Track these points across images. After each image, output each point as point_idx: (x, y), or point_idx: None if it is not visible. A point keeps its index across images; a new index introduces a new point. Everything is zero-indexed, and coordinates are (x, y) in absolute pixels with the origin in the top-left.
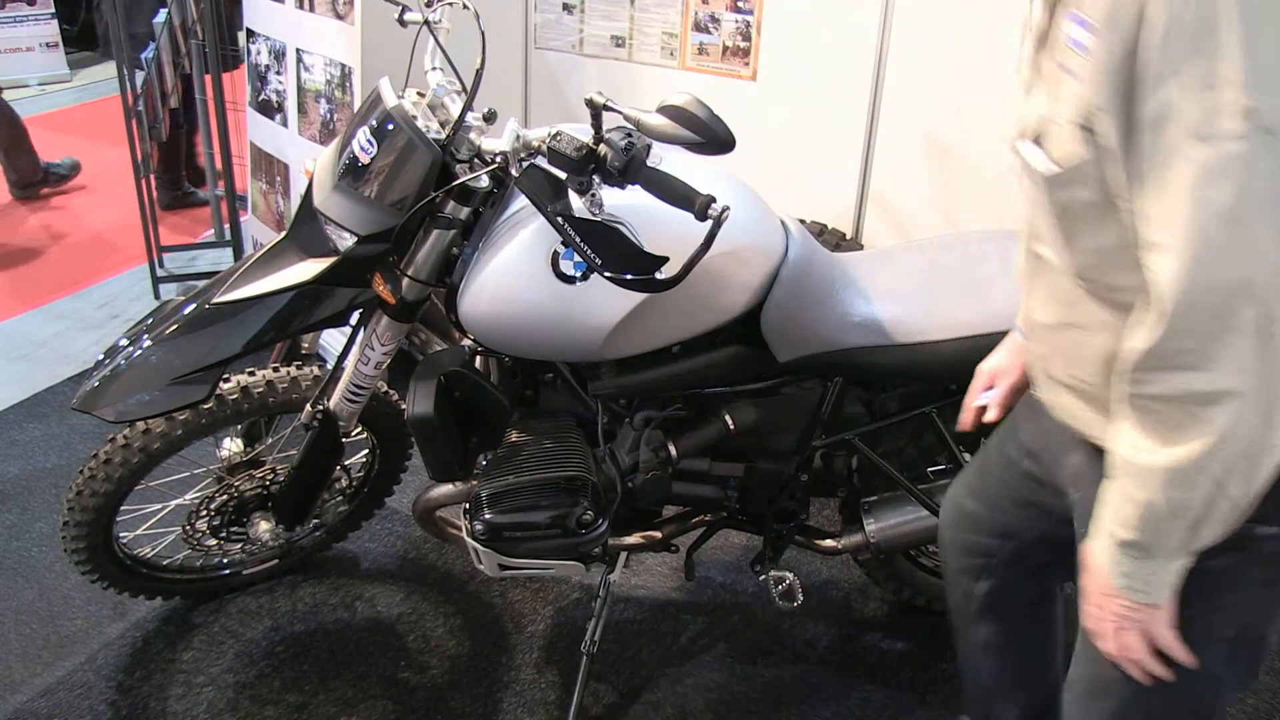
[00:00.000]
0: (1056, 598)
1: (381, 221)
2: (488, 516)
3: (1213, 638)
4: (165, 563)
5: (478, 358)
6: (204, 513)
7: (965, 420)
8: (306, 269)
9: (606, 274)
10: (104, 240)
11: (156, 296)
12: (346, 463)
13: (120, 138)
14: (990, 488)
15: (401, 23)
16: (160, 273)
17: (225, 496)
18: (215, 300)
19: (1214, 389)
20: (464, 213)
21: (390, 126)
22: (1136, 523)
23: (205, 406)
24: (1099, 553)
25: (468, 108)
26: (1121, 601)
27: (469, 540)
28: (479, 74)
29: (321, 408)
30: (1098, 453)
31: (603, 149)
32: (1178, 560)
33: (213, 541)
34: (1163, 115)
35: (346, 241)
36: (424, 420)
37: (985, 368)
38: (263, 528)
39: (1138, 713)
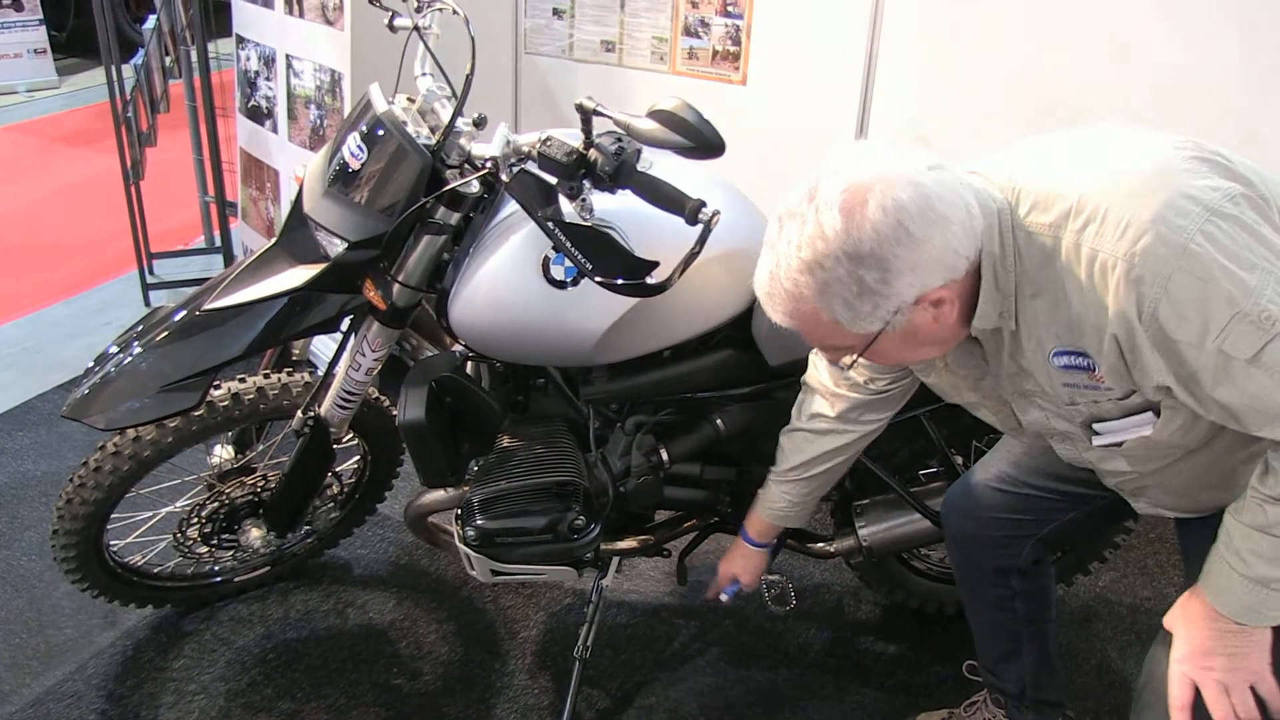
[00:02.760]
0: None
1: (372, 227)
2: (480, 522)
3: None
4: (156, 570)
5: (469, 363)
6: (195, 520)
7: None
8: (297, 275)
9: (597, 279)
10: (94, 246)
11: (147, 303)
12: (338, 469)
13: (110, 144)
14: (1027, 467)
15: (391, 28)
16: (150, 279)
17: (216, 504)
18: (206, 307)
19: None
20: (454, 218)
21: (380, 132)
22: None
23: (196, 413)
24: (1222, 594)
25: (458, 113)
26: (1228, 645)
27: (461, 546)
28: (469, 79)
29: (313, 414)
30: None
31: (593, 154)
32: None
33: (204, 549)
34: (1220, 359)
35: (337, 247)
36: (415, 426)
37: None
38: (254, 535)
39: None
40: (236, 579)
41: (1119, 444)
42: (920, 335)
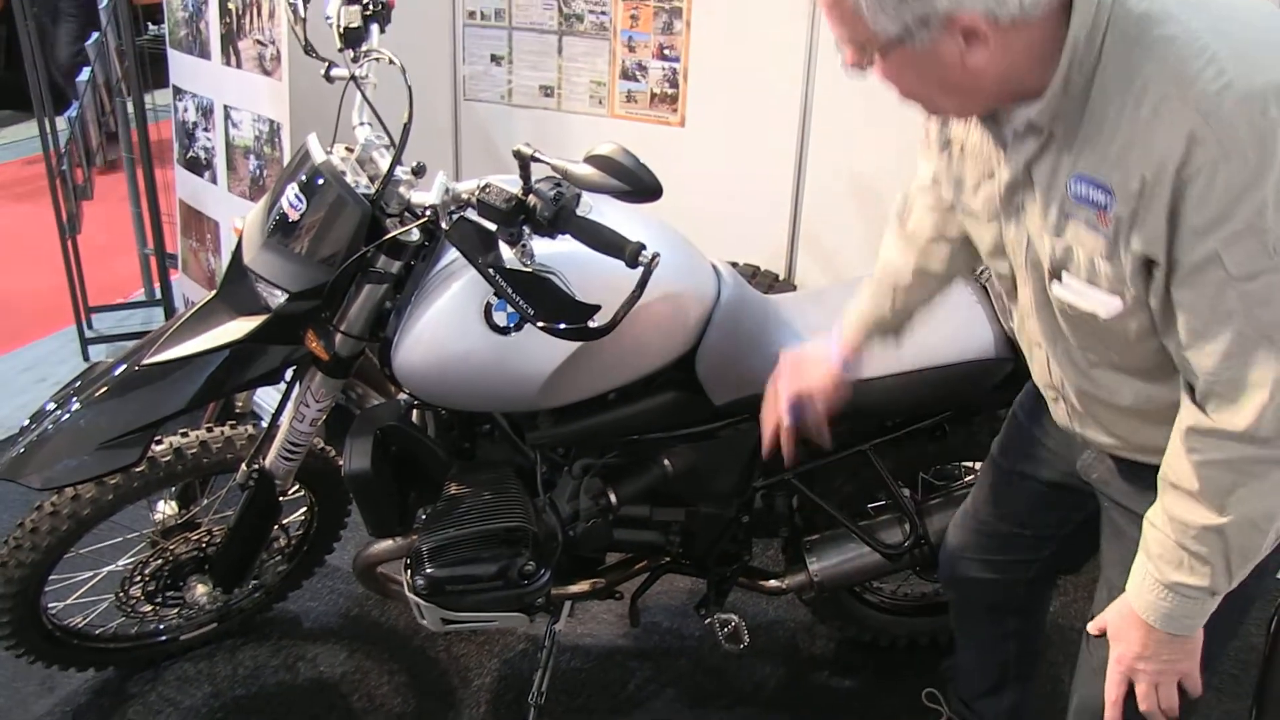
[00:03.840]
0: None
1: (313, 278)
2: (429, 571)
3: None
4: (98, 632)
5: (414, 411)
6: (138, 578)
7: (767, 441)
8: (238, 327)
9: (539, 324)
10: (29, 301)
11: (86, 358)
12: (284, 521)
13: (44, 198)
14: (1012, 505)
15: (328, 79)
16: (89, 334)
17: (160, 561)
18: (145, 361)
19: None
20: (395, 267)
21: (319, 182)
22: (1209, 574)
23: (137, 470)
24: (1144, 600)
25: (396, 162)
26: (1161, 654)
27: (411, 595)
28: (406, 128)
29: (257, 467)
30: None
31: (532, 199)
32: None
33: (148, 608)
34: (1208, 261)
35: (278, 298)
36: (361, 477)
37: (794, 389)
38: (200, 591)
39: None
40: (182, 637)
41: (1070, 308)
42: (941, 70)
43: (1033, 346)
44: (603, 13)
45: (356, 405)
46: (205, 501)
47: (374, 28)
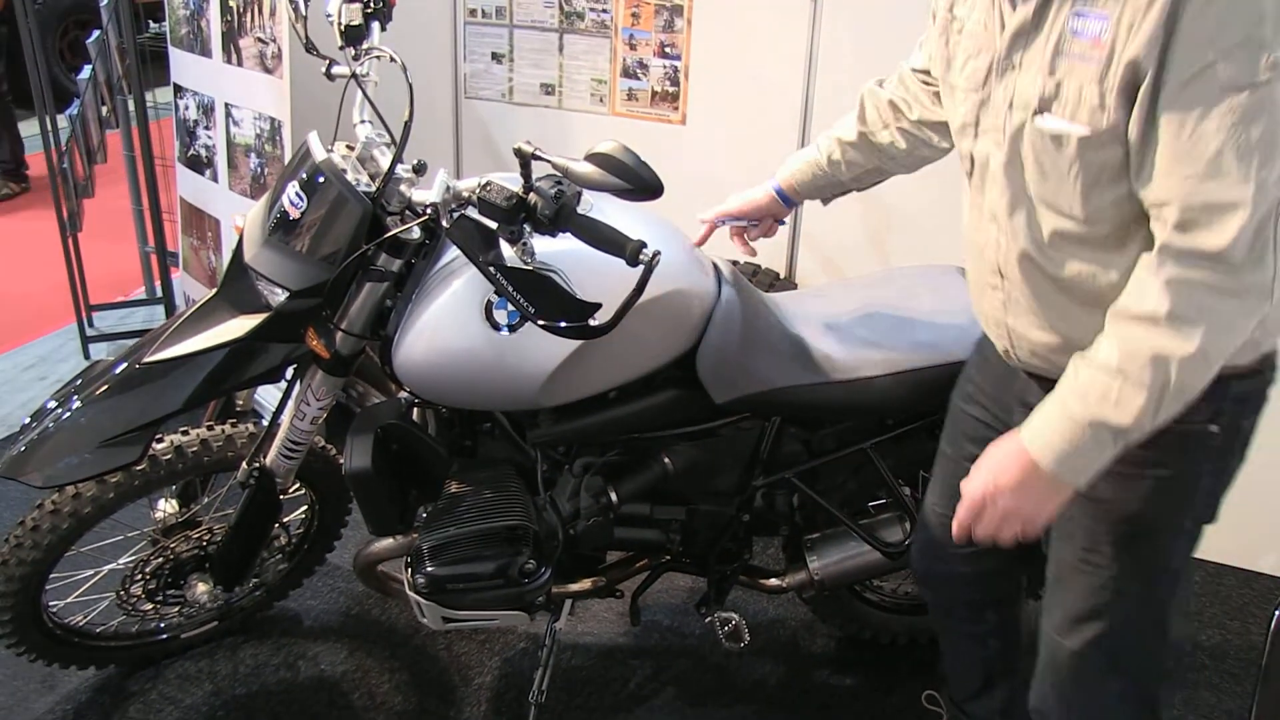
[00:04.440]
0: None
1: (313, 276)
2: (429, 569)
3: (1180, 533)
4: (99, 630)
5: (414, 409)
6: (139, 577)
7: (699, 240)
8: (239, 325)
9: (540, 322)
10: (30, 299)
11: (86, 356)
12: (285, 520)
13: (46, 194)
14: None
15: (329, 76)
16: (90, 332)
17: (161, 559)
18: (146, 359)
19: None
20: (396, 265)
21: (320, 180)
22: (1135, 410)
23: (138, 468)
24: (1043, 438)
25: (397, 160)
26: (1030, 495)
27: (411, 594)
28: (407, 125)
29: (258, 465)
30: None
31: (532, 197)
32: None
33: (149, 606)
34: (1202, 71)
35: (279, 297)
36: (361, 475)
37: (733, 203)
38: (200, 590)
39: (1119, 630)
40: (183, 636)
41: (1051, 137)
42: None
43: (985, 229)
44: (604, 10)
45: (357, 403)
46: (206, 500)
47: (375, 25)
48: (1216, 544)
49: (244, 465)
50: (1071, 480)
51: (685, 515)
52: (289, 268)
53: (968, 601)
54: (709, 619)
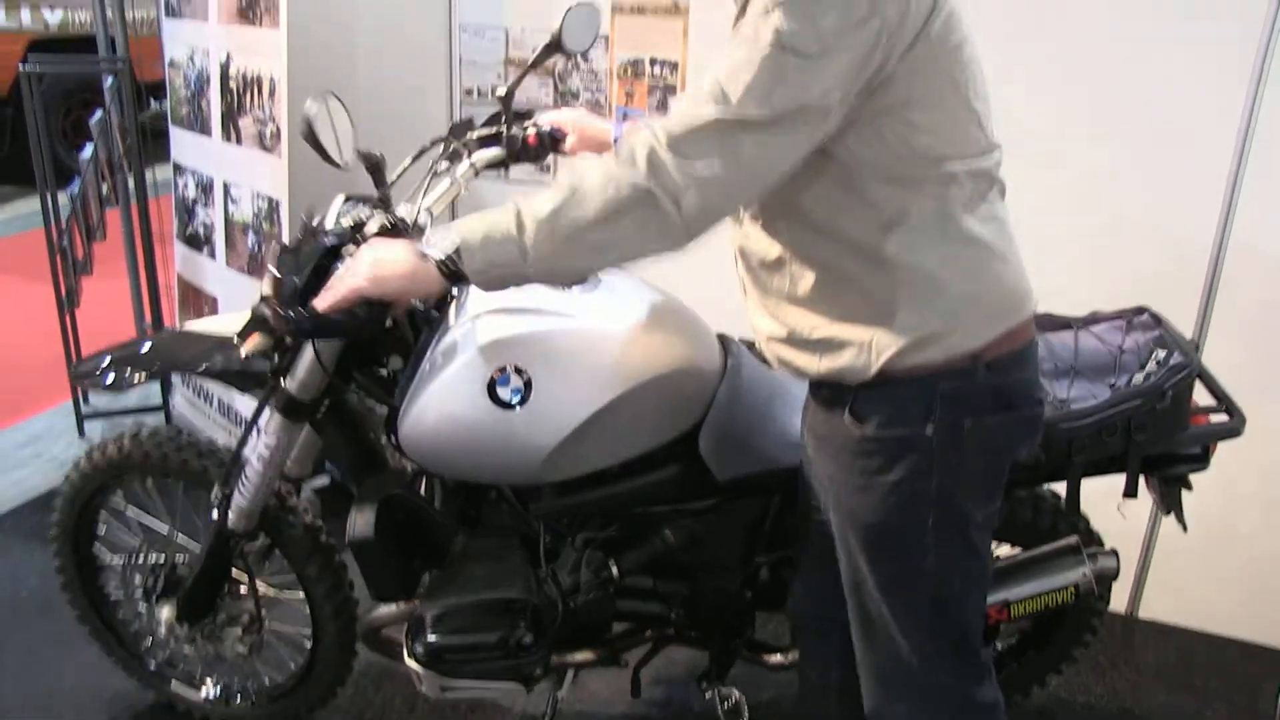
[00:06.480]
0: None
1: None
2: (428, 638)
3: (924, 535)
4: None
5: (420, 478)
6: (138, 562)
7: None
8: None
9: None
10: (26, 376)
11: (81, 434)
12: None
13: (43, 272)
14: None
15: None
16: (85, 409)
17: (161, 559)
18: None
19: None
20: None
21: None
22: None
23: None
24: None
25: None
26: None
27: (410, 662)
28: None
29: (226, 492)
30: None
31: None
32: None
33: (142, 606)
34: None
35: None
36: (365, 544)
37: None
38: (164, 614)
39: (896, 640)
40: (168, 688)
41: None
42: None
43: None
44: (598, 90)
45: (353, 480)
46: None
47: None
48: (1223, 616)
49: (216, 487)
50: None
51: (688, 589)
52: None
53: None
54: (709, 694)
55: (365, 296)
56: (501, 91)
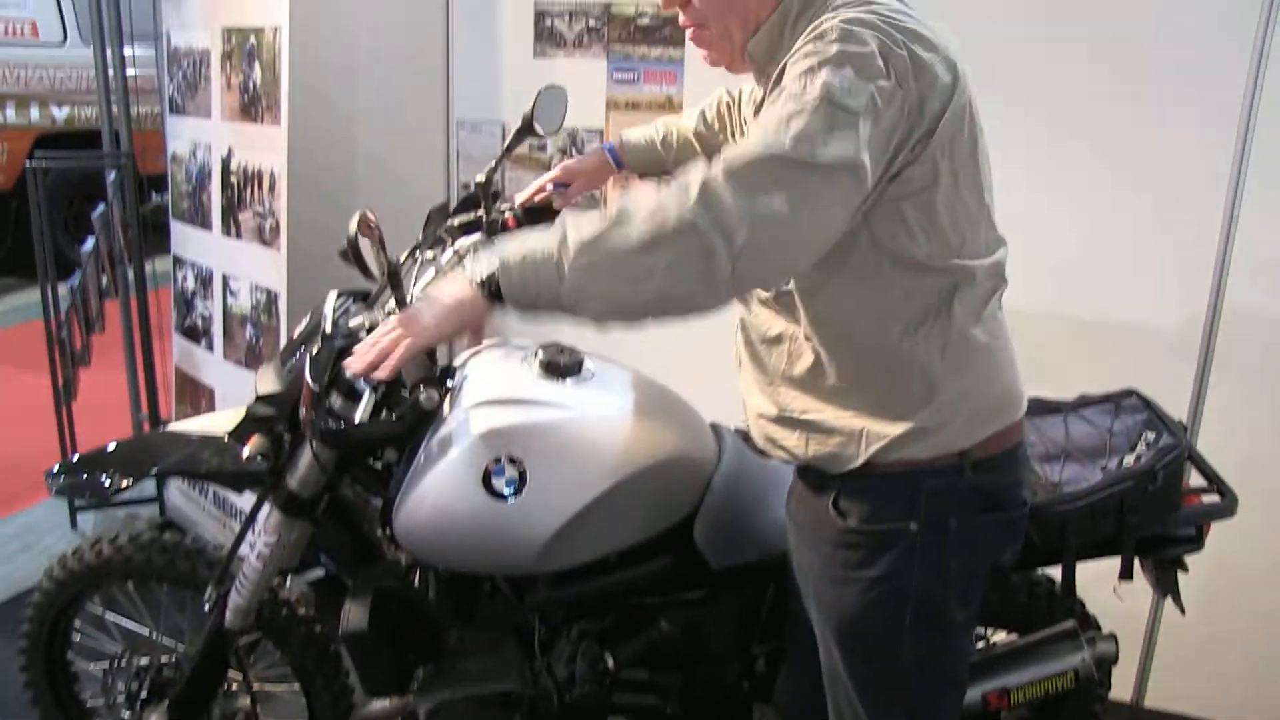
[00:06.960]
0: None
1: (275, 385)
2: None
3: (901, 632)
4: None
5: (414, 571)
6: (121, 667)
7: (523, 198)
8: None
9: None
10: (19, 468)
11: (74, 527)
12: None
13: (41, 363)
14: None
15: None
16: (79, 502)
17: (147, 662)
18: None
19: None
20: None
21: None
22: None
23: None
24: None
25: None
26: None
27: None
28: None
29: (222, 591)
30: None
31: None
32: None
33: (126, 713)
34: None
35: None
36: (358, 637)
37: (567, 165)
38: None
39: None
40: None
41: None
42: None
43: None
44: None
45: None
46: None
47: None
48: (1231, 703)
49: (210, 587)
50: (509, 287)
51: (684, 681)
52: (266, 371)
53: None
54: None
55: (420, 349)
56: (481, 178)
